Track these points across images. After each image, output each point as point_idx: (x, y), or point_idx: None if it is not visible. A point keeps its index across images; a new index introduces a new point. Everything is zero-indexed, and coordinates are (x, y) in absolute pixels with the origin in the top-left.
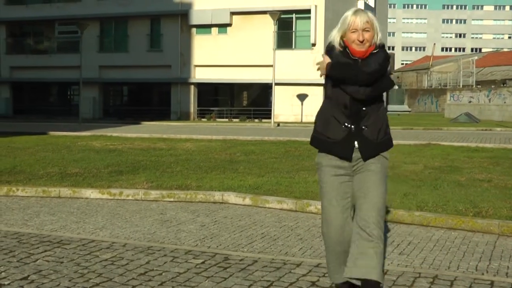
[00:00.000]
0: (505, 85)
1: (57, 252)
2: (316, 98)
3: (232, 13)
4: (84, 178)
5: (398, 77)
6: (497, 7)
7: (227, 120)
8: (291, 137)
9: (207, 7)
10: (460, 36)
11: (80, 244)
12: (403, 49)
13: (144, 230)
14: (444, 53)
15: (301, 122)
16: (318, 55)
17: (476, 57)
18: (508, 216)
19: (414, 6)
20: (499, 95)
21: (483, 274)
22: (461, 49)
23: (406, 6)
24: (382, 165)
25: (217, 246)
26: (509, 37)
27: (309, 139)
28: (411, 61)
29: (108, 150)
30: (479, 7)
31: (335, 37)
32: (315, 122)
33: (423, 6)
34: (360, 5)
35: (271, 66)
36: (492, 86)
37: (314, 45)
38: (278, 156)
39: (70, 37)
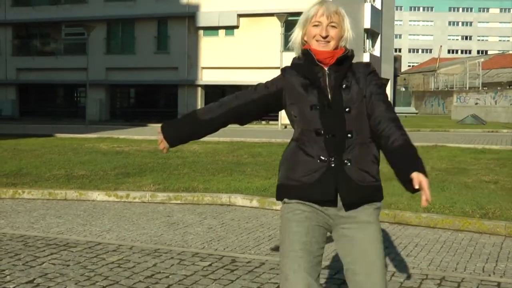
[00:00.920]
0: (511, 87)
1: (63, 255)
2: None
3: (239, 15)
4: (90, 180)
5: (404, 79)
6: (503, 9)
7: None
8: None
9: (214, 9)
10: (466, 38)
11: (87, 246)
12: (409, 51)
13: (151, 233)
14: (451, 55)
15: None
16: None
17: (482, 59)
18: None
19: (421, 9)
20: (505, 97)
21: (490, 275)
22: (467, 51)
23: (412, 8)
24: (377, 222)
25: (224, 249)
26: None
27: None
28: (417, 63)
29: (115, 152)
30: (485, 9)
31: (295, 38)
32: (279, 170)
33: (429, 8)
34: (367, 7)
35: (278, 68)
36: (498, 88)
37: None
38: None
39: (77, 39)
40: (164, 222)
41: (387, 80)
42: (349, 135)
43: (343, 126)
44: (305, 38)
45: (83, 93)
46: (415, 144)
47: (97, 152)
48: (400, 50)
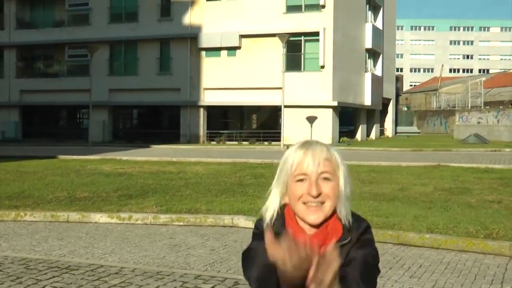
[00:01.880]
0: None
1: (65, 278)
2: (326, 120)
3: (241, 36)
4: (93, 202)
5: (406, 99)
6: (504, 28)
7: (236, 143)
8: None
9: (216, 30)
10: (467, 57)
11: (89, 269)
12: (411, 70)
13: (153, 255)
14: (452, 74)
15: None
16: (327, 76)
17: (484, 78)
18: None
19: (422, 28)
20: (508, 115)
21: None
22: (469, 70)
23: (414, 28)
24: None
25: (227, 271)
26: None
27: None
28: (419, 82)
29: (118, 174)
30: (486, 28)
31: (270, 203)
32: None
33: (430, 28)
34: (368, 27)
35: (280, 88)
36: (501, 107)
37: (323, 67)
38: None
39: (80, 60)
40: (166, 244)
41: (389, 99)
42: None
43: None
44: (286, 200)
45: (86, 114)
46: (418, 163)
47: (100, 174)
48: (401, 70)
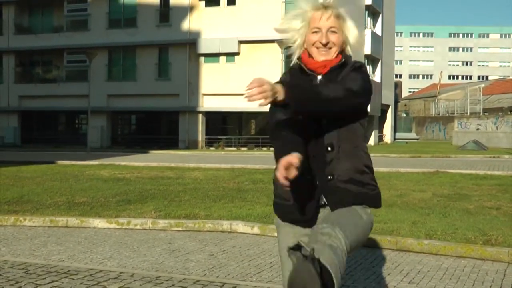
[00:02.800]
0: None
1: (64, 283)
2: None
3: (240, 42)
4: (92, 207)
5: (405, 105)
6: (503, 35)
7: (235, 148)
8: None
9: (215, 36)
10: (466, 64)
11: (88, 274)
12: (410, 77)
13: (152, 260)
14: (451, 81)
15: None
16: None
17: (483, 85)
18: None
19: (421, 35)
20: (507, 122)
21: None
22: (468, 76)
23: (413, 34)
24: (359, 208)
25: (226, 276)
26: None
27: None
28: (418, 89)
29: (116, 179)
30: (485, 35)
31: (295, 45)
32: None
33: (429, 34)
34: (367, 33)
35: None
36: (500, 114)
37: None
38: None
39: (79, 66)
40: (165, 249)
41: (388, 105)
42: (328, 148)
43: (322, 141)
44: (305, 45)
45: (85, 120)
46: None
47: (98, 179)
48: (400, 76)
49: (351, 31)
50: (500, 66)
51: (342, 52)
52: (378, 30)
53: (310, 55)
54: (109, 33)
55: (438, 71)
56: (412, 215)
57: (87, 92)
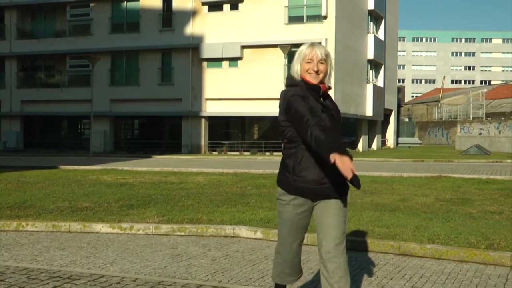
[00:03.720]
0: None
1: None
2: None
3: (243, 47)
4: (94, 212)
5: (408, 110)
6: (505, 40)
7: (238, 153)
8: None
9: (218, 41)
10: (469, 68)
11: (90, 279)
12: (413, 81)
13: (154, 265)
14: (454, 86)
15: None
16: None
17: (485, 90)
18: None
19: (424, 39)
20: (509, 127)
21: None
22: (471, 81)
23: (415, 39)
24: (344, 201)
25: (229, 281)
26: None
27: None
28: (421, 93)
29: (119, 184)
30: (488, 40)
31: (296, 69)
32: (287, 165)
33: (432, 39)
34: (370, 38)
35: None
36: (502, 118)
37: None
38: None
39: (81, 71)
40: (168, 254)
41: (391, 110)
42: None
43: None
44: (300, 71)
45: (88, 124)
46: (419, 174)
47: (101, 184)
48: (403, 81)
49: (333, 67)
50: (503, 70)
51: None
52: (381, 34)
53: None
54: (112, 37)
55: (440, 76)
56: (415, 219)
57: (90, 97)
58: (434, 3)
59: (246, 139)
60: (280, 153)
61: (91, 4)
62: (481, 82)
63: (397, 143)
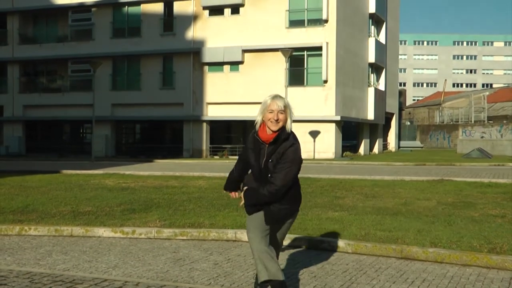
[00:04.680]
0: None
1: None
2: (329, 134)
3: (244, 51)
4: (96, 216)
5: (409, 113)
6: (507, 43)
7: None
8: (304, 174)
9: (219, 45)
10: (471, 72)
11: (93, 283)
12: (414, 85)
13: (157, 269)
14: (455, 89)
15: (314, 159)
16: (330, 91)
17: (487, 93)
18: None
19: (425, 43)
20: (511, 130)
21: None
22: (472, 84)
23: (417, 42)
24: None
25: (231, 285)
26: None
27: (321, 176)
28: (422, 97)
29: (121, 188)
30: (489, 43)
31: (257, 119)
32: None
33: (433, 42)
34: (371, 42)
35: None
36: (504, 122)
37: (325, 81)
38: None
39: (83, 75)
40: (170, 258)
41: (392, 114)
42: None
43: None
44: (264, 119)
45: (89, 129)
46: (421, 178)
47: (103, 188)
48: (405, 84)
49: (291, 115)
50: (505, 74)
51: (284, 127)
52: (382, 38)
53: (263, 129)
54: (113, 42)
55: (442, 79)
56: (417, 223)
57: (92, 101)
58: (435, 6)
59: None
60: None
61: (93, 9)
62: (483, 85)
63: (399, 147)
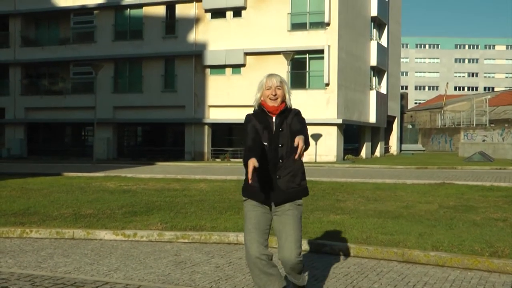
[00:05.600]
0: None
1: None
2: (330, 137)
3: (246, 54)
4: (98, 219)
5: (411, 117)
6: (509, 46)
7: (241, 160)
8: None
9: (221, 48)
10: (472, 75)
11: (94, 286)
12: (416, 88)
13: (158, 272)
14: (457, 92)
15: (315, 162)
16: (332, 94)
17: (489, 96)
18: None
19: (427, 46)
20: None
21: None
22: (474, 88)
23: (418, 46)
24: (298, 210)
25: None
26: None
27: (323, 179)
28: (424, 100)
29: (122, 191)
30: (491, 46)
31: (256, 97)
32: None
33: (435, 46)
34: (373, 45)
35: None
36: (506, 125)
37: (327, 85)
38: None
39: (85, 78)
40: (171, 261)
41: (394, 117)
42: (280, 161)
43: (277, 155)
44: (262, 97)
45: (91, 131)
46: (423, 181)
47: (105, 191)
48: (406, 88)
49: (288, 91)
50: (506, 77)
51: (284, 101)
52: (384, 41)
53: (265, 103)
54: (115, 45)
55: (444, 83)
56: (419, 226)
57: (93, 104)
58: (437, 9)
59: None
60: None
61: (95, 12)
62: (485, 88)
63: (400, 150)
